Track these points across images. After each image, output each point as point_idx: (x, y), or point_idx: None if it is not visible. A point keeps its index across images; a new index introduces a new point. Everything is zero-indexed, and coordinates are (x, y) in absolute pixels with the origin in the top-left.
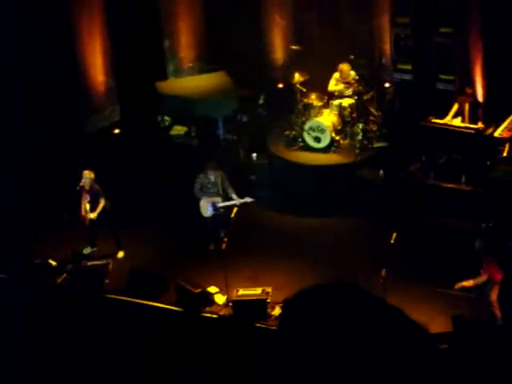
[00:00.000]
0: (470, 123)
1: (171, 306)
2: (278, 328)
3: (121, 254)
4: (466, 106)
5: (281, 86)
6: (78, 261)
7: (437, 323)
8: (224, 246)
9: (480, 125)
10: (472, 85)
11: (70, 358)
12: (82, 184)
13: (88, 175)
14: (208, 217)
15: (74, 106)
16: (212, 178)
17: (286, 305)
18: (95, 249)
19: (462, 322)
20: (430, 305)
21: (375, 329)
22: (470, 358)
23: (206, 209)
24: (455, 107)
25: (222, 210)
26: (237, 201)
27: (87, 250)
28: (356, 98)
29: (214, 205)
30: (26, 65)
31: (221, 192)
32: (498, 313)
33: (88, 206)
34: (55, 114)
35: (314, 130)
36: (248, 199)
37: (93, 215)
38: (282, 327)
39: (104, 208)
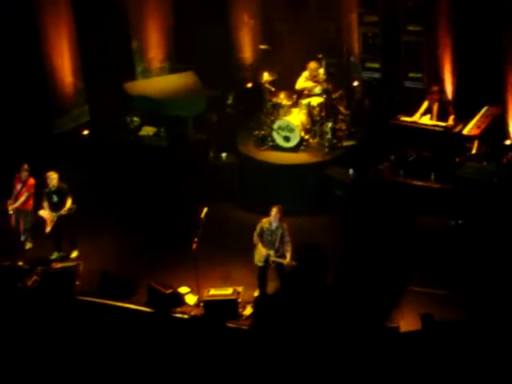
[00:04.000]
0: (439, 121)
1: (142, 307)
2: (251, 327)
3: (74, 254)
4: (435, 104)
5: (250, 85)
6: (49, 263)
7: (407, 322)
8: (194, 246)
9: (450, 122)
10: (441, 82)
11: (41, 358)
12: (49, 185)
13: (52, 175)
14: (260, 265)
15: (41, 107)
16: (273, 226)
17: (258, 305)
18: (62, 253)
19: (431, 321)
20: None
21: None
22: (438, 356)
23: (260, 258)
24: (424, 105)
25: (272, 264)
26: (287, 261)
27: (54, 256)
28: (325, 96)
29: (266, 257)
30: None
31: (276, 245)
32: None
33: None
34: (23, 116)
35: (283, 129)
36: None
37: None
38: (254, 327)
39: (69, 209)
